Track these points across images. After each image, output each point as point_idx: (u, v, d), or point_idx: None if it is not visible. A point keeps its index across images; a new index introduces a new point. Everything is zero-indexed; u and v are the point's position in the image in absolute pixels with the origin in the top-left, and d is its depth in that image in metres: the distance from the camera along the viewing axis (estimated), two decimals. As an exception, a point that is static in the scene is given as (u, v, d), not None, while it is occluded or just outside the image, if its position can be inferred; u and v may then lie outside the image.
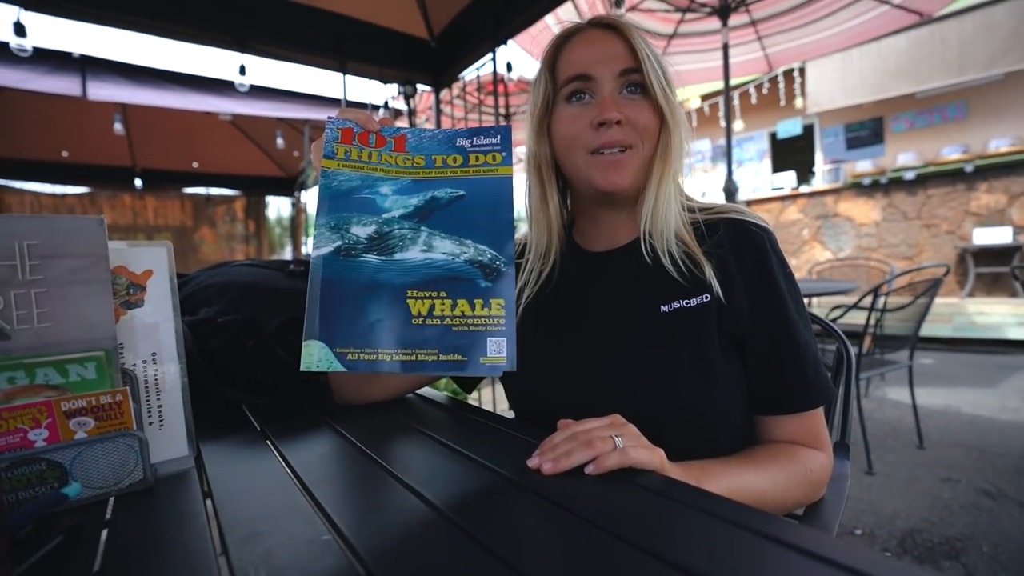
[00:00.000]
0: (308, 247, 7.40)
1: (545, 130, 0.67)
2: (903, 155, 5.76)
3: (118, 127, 4.19)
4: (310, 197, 6.52)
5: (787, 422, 0.59)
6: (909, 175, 5.43)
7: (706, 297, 0.59)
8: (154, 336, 0.54)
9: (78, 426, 0.44)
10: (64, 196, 6.40)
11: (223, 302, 0.83)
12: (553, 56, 0.66)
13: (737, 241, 0.60)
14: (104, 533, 0.40)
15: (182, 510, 0.44)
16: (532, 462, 0.46)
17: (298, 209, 7.81)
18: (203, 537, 0.39)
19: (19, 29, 1.74)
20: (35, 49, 2.06)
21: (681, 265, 0.60)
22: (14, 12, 1.72)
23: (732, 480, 0.51)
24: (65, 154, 5.57)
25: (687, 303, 0.59)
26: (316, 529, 0.38)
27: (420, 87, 2.96)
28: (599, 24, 0.65)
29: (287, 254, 8.44)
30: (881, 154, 6.12)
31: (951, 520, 1.69)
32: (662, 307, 0.60)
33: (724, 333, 0.58)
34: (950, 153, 5.39)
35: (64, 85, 3.05)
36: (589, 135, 0.61)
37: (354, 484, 0.47)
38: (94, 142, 5.23)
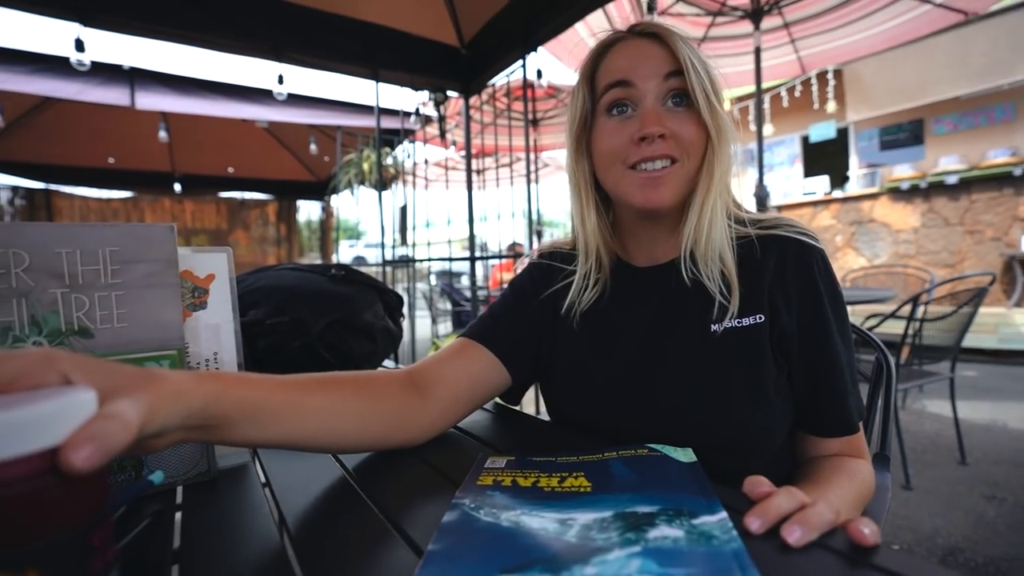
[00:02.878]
0: (339, 251, 7.56)
1: (584, 147, 0.65)
2: (945, 158, 5.55)
3: (163, 135, 4.38)
4: (340, 201, 6.66)
5: (833, 440, 0.60)
6: (951, 179, 5.23)
7: (759, 317, 0.57)
8: (215, 337, 0.58)
9: (153, 419, 0.47)
10: (109, 200, 6.69)
11: (270, 305, 0.87)
12: (592, 67, 0.63)
13: (789, 259, 0.58)
14: (178, 517, 0.44)
15: (245, 499, 0.47)
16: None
17: (328, 213, 7.99)
18: (268, 524, 0.41)
19: (79, 45, 1.86)
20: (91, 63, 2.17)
21: (730, 283, 0.58)
22: (74, 30, 1.83)
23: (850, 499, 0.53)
24: (111, 160, 5.84)
25: (738, 323, 0.57)
26: (373, 521, 0.41)
27: (450, 93, 3.00)
28: (641, 32, 0.61)
29: (315, 257, 8.63)
30: (921, 157, 5.91)
31: (996, 540, 1.62)
32: (712, 326, 0.58)
33: (776, 352, 0.58)
34: (997, 156, 5.17)
35: (114, 96, 3.22)
36: (630, 149, 0.58)
37: (403, 480, 0.50)
38: (138, 149, 5.48)
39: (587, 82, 0.64)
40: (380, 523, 0.40)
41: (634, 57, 0.59)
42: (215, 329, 0.58)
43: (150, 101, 3.39)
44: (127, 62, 3.33)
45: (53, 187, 6.21)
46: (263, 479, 0.52)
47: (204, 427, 0.38)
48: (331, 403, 0.48)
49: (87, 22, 1.79)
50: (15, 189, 5.97)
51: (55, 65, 3.07)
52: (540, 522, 0.35)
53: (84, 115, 4.42)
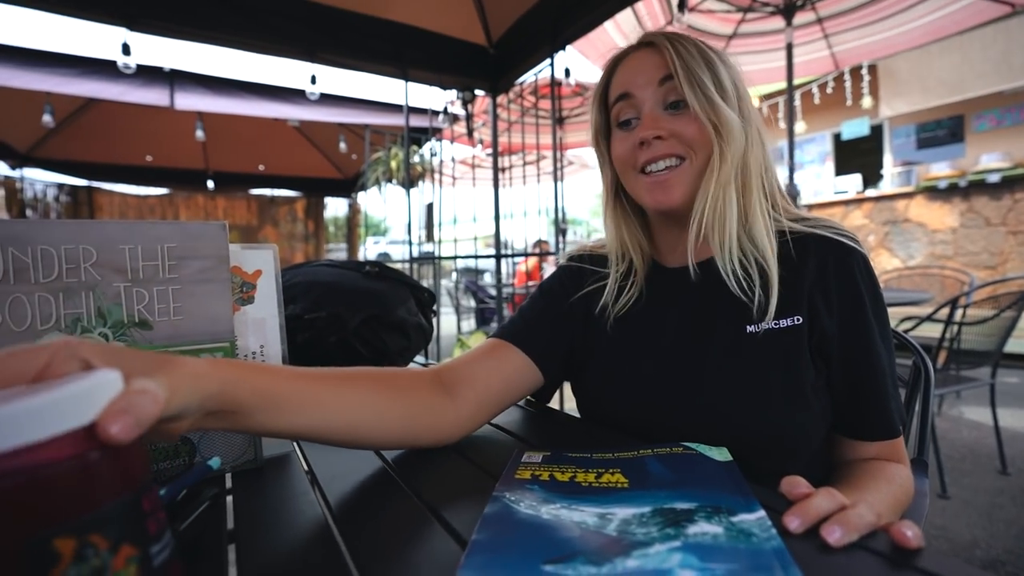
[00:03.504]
0: (365, 248, 7.68)
1: (606, 157, 0.69)
2: (987, 156, 5.32)
3: (199, 134, 4.51)
4: (366, 198, 6.76)
5: (873, 443, 0.59)
6: (994, 177, 5.01)
7: (798, 319, 0.57)
8: (261, 330, 0.60)
9: (206, 407, 0.50)
10: (147, 197, 6.92)
11: (308, 300, 0.90)
12: (604, 84, 0.67)
13: (830, 260, 0.58)
14: (229, 500, 0.46)
15: (290, 486, 0.49)
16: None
17: (354, 210, 8.12)
18: (315, 509, 0.43)
19: (125, 49, 1.95)
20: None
21: (768, 284, 0.57)
22: (121, 35, 1.91)
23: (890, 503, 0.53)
24: (149, 158, 6.06)
25: (776, 324, 0.57)
26: (415, 510, 0.42)
27: (477, 92, 3.02)
28: (640, 44, 0.65)
29: (343, 251, 8.77)
30: (961, 155, 5.69)
31: (1039, 552, 1.56)
32: (749, 327, 0.58)
33: (815, 354, 0.58)
34: (1043, 154, 4.95)
35: (155, 96, 3.35)
36: (637, 154, 0.62)
37: (441, 472, 0.51)
38: (174, 147, 5.67)
39: (599, 100, 0.68)
40: (422, 512, 0.42)
41: (632, 69, 0.64)
42: (261, 323, 0.60)
43: (189, 101, 3.51)
44: (168, 64, 3.45)
45: (95, 184, 6.47)
46: (306, 468, 0.54)
47: (221, 412, 0.38)
48: (349, 396, 0.48)
49: (133, 27, 1.87)
50: (60, 186, 6.23)
51: (100, 68, 3.20)
52: (580, 515, 0.36)
53: (125, 115, 4.59)
